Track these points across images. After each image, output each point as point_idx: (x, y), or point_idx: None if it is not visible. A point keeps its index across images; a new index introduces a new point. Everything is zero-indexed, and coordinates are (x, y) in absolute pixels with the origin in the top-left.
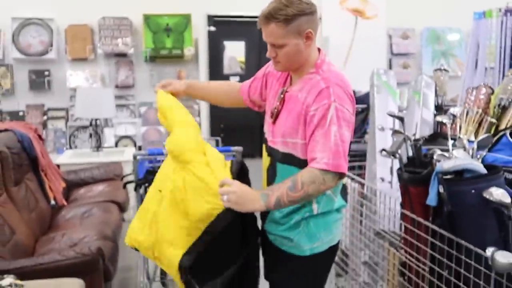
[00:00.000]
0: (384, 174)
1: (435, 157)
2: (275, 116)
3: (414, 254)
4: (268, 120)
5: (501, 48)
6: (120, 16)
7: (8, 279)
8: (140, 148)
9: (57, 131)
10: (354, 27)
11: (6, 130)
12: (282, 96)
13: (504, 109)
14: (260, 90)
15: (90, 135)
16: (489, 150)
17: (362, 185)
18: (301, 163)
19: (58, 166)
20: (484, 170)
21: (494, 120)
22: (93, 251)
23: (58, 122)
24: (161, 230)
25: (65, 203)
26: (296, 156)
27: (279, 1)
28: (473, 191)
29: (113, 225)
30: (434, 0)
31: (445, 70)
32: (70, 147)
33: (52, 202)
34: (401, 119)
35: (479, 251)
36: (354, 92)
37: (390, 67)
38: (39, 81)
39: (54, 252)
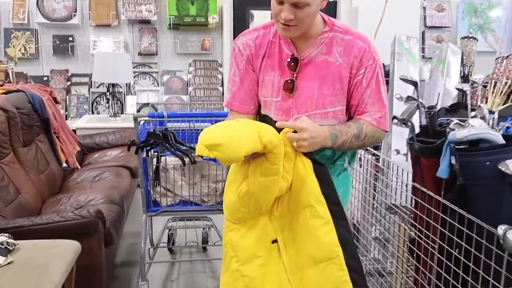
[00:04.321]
0: (399, 146)
1: (450, 126)
2: (291, 89)
3: (424, 230)
4: (274, 99)
5: None
6: None
7: (2, 238)
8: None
9: (80, 96)
10: None
11: (18, 91)
12: (294, 64)
13: None
14: (256, 85)
15: (108, 100)
16: None
17: (377, 158)
18: None
19: (75, 130)
20: (502, 141)
21: None
22: (92, 213)
23: (82, 88)
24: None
25: (78, 166)
26: None
27: None
28: (487, 163)
29: (122, 190)
30: None
31: (473, 38)
32: (93, 113)
33: (64, 164)
34: (415, 84)
35: (491, 229)
36: (383, 65)
37: (423, 41)
38: (63, 46)
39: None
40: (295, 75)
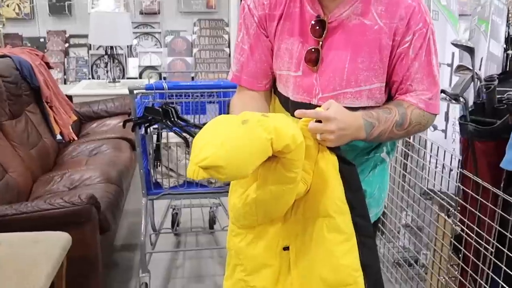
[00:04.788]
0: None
1: None
2: (315, 61)
3: (475, 228)
4: (293, 74)
5: None
6: None
7: None
8: (165, 79)
9: (79, 59)
10: None
11: (3, 56)
12: (320, 29)
13: None
14: (270, 55)
15: (106, 64)
16: None
17: None
18: None
19: (71, 98)
20: None
21: None
22: (83, 200)
23: (81, 50)
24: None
25: (74, 137)
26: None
27: None
28: None
29: (121, 166)
30: None
31: None
32: (93, 77)
33: (59, 137)
34: (470, 50)
35: None
36: None
37: None
38: (60, 5)
39: (48, 195)
40: (320, 42)
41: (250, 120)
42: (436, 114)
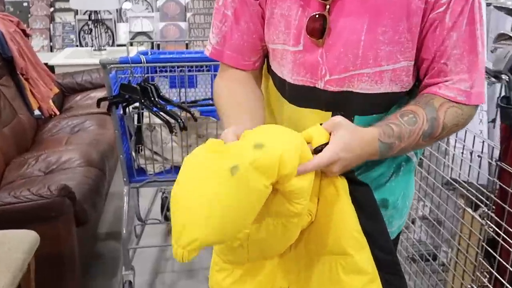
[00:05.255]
0: None
1: None
2: (320, 32)
3: None
4: (291, 49)
5: None
6: None
7: None
8: (158, 47)
9: (65, 25)
10: None
11: None
12: None
13: None
14: (261, 24)
15: (90, 31)
16: None
17: None
18: (402, 105)
19: (53, 68)
20: None
21: None
22: (53, 192)
23: (67, 15)
24: None
25: (56, 111)
26: (398, 95)
27: None
28: None
29: (105, 144)
30: None
31: None
32: (80, 44)
33: (37, 112)
34: None
35: None
36: None
37: None
38: None
39: (21, 180)
40: (327, 6)
41: (240, 165)
42: (477, 105)
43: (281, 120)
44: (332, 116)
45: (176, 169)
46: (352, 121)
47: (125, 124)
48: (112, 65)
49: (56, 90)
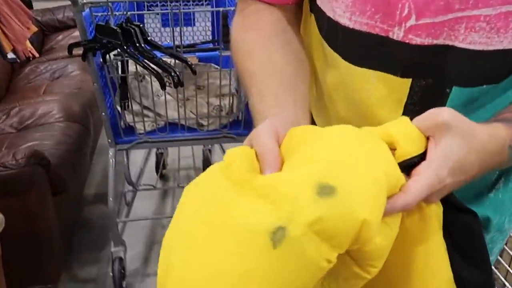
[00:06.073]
0: None
1: None
2: None
3: None
4: None
5: None
6: None
7: None
8: None
9: None
10: None
11: None
12: None
13: None
14: None
15: None
16: None
17: None
18: None
19: (30, 4)
20: None
21: None
22: (19, 161)
23: None
24: None
25: (35, 54)
26: None
27: None
28: None
29: (88, 93)
30: None
31: None
32: None
33: (11, 55)
34: None
35: None
36: None
37: None
38: None
39: None
40: None
41: (290, 228)
42: None
43: (325, 88)
44: (413, 85)
45: (171, 126)
46: (447, 94)
47: (106, 75)
48: (85, 0)
49: (35, 28)
